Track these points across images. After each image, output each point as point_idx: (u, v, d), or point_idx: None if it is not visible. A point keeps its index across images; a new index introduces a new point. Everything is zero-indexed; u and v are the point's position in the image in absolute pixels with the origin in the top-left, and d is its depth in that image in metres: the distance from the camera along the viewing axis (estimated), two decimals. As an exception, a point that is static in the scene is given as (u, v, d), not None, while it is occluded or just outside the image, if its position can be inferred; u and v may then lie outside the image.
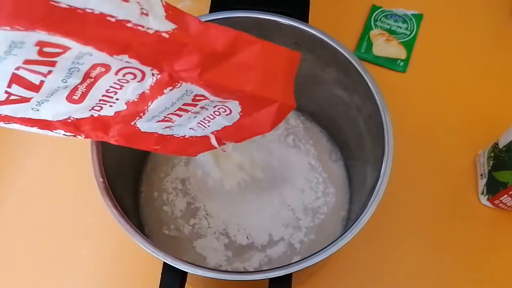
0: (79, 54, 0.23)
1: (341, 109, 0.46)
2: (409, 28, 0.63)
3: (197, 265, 0.32)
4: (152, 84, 0.27)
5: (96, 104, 0.27)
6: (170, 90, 0.28)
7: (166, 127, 0.32)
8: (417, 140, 0.55)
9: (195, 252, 0.46)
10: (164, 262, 0.33)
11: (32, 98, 0.25)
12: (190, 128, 0.33)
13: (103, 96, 0.27)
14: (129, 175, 0.47)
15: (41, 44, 0.21)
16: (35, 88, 0.24)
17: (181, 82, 0.27)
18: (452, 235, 0.51)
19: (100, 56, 0.23)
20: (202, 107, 0.31)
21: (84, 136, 0.30)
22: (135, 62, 0.25)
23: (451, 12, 0.65)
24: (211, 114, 0.32)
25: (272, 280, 0.33)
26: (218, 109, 0.31)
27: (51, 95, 0.25)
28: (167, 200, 0.48)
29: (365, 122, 0.43)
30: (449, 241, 0.51)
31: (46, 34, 0.21)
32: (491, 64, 0.61)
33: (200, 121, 0.32)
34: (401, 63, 0.60)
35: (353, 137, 0.46)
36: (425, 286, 0.49)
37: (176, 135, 0.33)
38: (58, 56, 0.23)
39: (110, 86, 0.26)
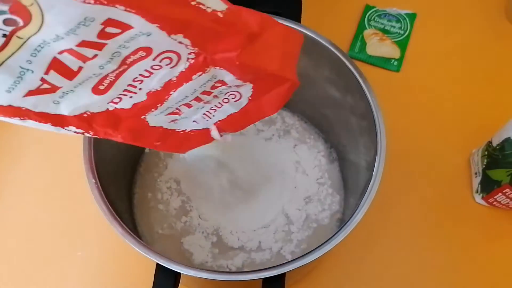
0: (135, 35, 0.23)
1: (334, 109, 0.46)
2: (402, 28, 0.63)
3: (190, 266, 0.32)
4: (183, 70, 0.27)
5: (118, 95, 0.27)
6: (199, 75, 0.28)
7: (172, 121, 0.32)
8: (411, 139, 0.55)
9: (183, 248, 0.46)
10: (157, 263, 0.33)
11: (61, 88, 0.25)
12: (193, 121, 0.33)
13: (128, 86, 0.27)
14: (123, 176, 0.47)
15: (108, 22, 0.21)
16: (71, 75, 0.24)
17: (210, 66, 0.27)
18: (446, 234, 0.51)
19: (156, 37, 0.23)
20: (215, 96, 0.31)
21: (92, 134, 0.29)
22: (186, 42, 0.25)
23: (444, 11, 0.65)
24: (219, 103, 0.32)
25: (265, 280, 0.33)
26: (229, 95, 0.32)
27: (80, 84, 0.25)
28: (161, 199, 0.48)
29: (358, 122, 0.43)
30: (443, 240, 0.51)
31: (123, 9, 0.21)
32: (484, 63, 0.61)
33: (207, 111, 0.33)
34: (395, 62, 0.61)
35: (347, 137, 0.47)
36: (420, 285, 0.49)
37: (178, 129, 0.33)
38: (113, 37, 0.23)
39: (139, 74, 0.26)
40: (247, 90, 0.31)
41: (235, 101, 0.32)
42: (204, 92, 0.30)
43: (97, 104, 0.27)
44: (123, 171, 0.47)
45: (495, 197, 0.50)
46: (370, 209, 0.35)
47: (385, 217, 0.51)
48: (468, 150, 0.55)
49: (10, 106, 0.24)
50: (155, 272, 0.33)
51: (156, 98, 0.29)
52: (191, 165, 0.48)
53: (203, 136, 0.35)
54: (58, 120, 0.27)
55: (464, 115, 0.57)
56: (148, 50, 0.25)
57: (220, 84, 0.30)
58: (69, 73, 0.24)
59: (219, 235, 0.46)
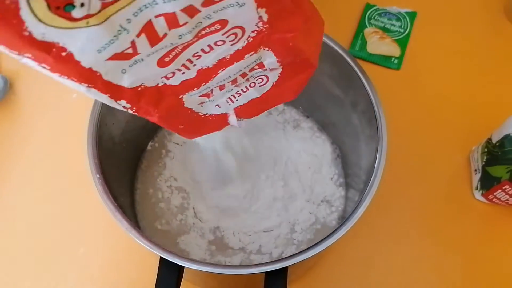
0: (229, 5, 0.23)
1: (335, 105, 0.46)
2: (402, 26, 0.63)
3: (194, 260, 0.33)
4: (240, 48, 0.27)
5: (175, 69, 0.27)
6: (251, 55, 0.28)
7: (200, 103, 0.32)
8: (411, 136, 0.56)
9: (180, 247, 0.46)
10: (161, 257, 0.33)
11: (137, 55, 0.24)
12: (216, 105, 0.33)
13: (186, 60, 0.27)
14: (125, 172, 0.47)
15: None
16: (154, 41, 0.24)
17: (262, 47, 0.28)
18: (446, 230, 0.51)
19: (245, 9, 0.24)
20: (247, 79, 0.31)
21: (135, 110, 0.28)
22: (264, 18, 0.25)
23: (444, 10, 0.65)
24: (246, 86, 0.32)
25: (268, 274, 0.33)
26: (257, 79, 0.32)
27: (153, 53, 0.25)
28: (162, 198, 0.48)
29: (359, 118, 0.43)
30: (443, 236, 0.51)
31: None
32: (484, 61, 0.61)
33: (232, 95, 0.32)
34: (395, 61, 0.61)
35: (348, 134, 0.47)
36: (421, 280, 0.49)
37: (201, 113, 0.33)
38: (211, 5, 0.23)
39: (201, 49, 0.26)
40: (275, 74, 0.31)
41: (260, 85, 0.32)
42: (243, 74, 0.30)
43: (154, 77, 0.27)
44: (125, 167, 0.47)
45: (494, 193, 0.50)
46: (370, 205, 0.36)
47: (385, 213, 0.51)
48: (468, 147, 0.55)
49: (90, 69, 0.23)
50: (159, 266, 0.34)
51: (204, 76, 0.28)
52: (191, 160, 0.48)
53: (218, 122, 0.35)
54: (116, 92, 0.26)
55: (463, 112, 0.58)
56: (224, 23, 0.25)
57: (258, 67, 0.30)
58: (154, 39, 0.23)
59: (220, 235, 0.46)
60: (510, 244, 0.51)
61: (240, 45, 0.27)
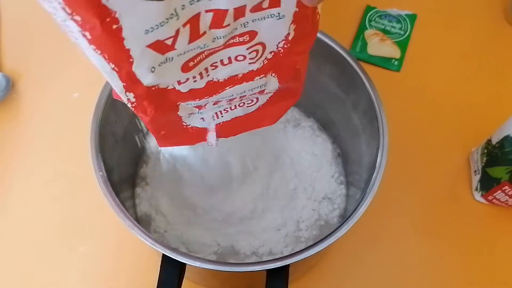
0: (271, 15, 0.23)
1: (336, 105, 0.46)
2: (403, 28, 0.64)
3: (196, 257, 0.33)
4: (254, 69, 0.27)
5: (192, 76, 0.26)
6: (260, 78, 0.28)
7: (190, 113, 0.31)
8: (411, 138, 0.56)
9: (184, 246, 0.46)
10: (163, 254, 0.33)
11: (173, 50, 0.24)
12: (201, 118, 0.32)
13: (204, 69, 0.26)
14: (126, 169, 0.48)
15: None
16: (194, 37, 0.23)
17: (271, 72, 0.28)
18: (446, 231, 0.52)
19: (281, 22, 0.24)
20: (241, 99, 0.31)
21: (134, 106, 0.27)
22: (291, 35, 0.25)
23: (444, 12, 0.66)
24: (235, 105, 0.32)
25: (269, 272, 0.34)
26: (248, 100, 0.31)
27: (185, 53, 0.24)
28: (160, 196, 0.48)
29: (360, 119, 0.43)
30: (443, 237, 0.51)
31: None
32: (483, 63, 0.62)
33: (219, 111, 0.32)
34: (395, 62, 0.61)
35: (349, 133, 0.47)
36: (420, 281, 0.49)
37: (185, 123, 0.33)
38: (258, 11, 0.23)
39: (220, 60, 0.26)
40: (265, 98, 0.31)
41: (248, 106, 0.32)
42: (242, 96, 0.30)
43: (168, 81, 0.26)
44: (127, 165, 0.47)
45: (494, 194, 0.50)
46: (371, 204, 0.36)
47: (385, 214, 0.51)
48: (468, 148, 0.56)
49: (127, 51, 0.23)
50: (161, 263, 0.34)
51: (211, 89, 0.28)
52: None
53: (195, 136, 0.34)
54: (132, 85, 0.25)
55: (463, 114, 0.58)
56: (253, 36, 0.24)
57: (259, 94, 0.30)
58: (194, 35, 0.23)
59: (230, 244, 0.46)
60: (509, 244, 0.51)
61: (255, 66, 0.27)
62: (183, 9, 0.22)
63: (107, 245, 0.50)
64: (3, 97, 0.57)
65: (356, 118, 0.44)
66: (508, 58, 0.62)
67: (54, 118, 0.57)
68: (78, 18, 0.20)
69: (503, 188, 0.49)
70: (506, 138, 0.47)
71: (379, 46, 0.62)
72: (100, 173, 0.36)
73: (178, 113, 0.30)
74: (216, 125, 0.34)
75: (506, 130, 0.48)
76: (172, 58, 0.24)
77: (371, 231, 0.51)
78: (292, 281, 0.37)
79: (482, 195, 0.52)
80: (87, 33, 0.21)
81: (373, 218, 0.50)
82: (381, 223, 0.51)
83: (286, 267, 0.34)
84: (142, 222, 0.48)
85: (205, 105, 0.30)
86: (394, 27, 0.64)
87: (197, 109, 0.31)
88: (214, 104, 0.30)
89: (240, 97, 0.30)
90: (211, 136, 0.34)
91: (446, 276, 0.50)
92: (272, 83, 0.29)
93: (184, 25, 0.22)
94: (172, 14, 0.21)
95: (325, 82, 0.45)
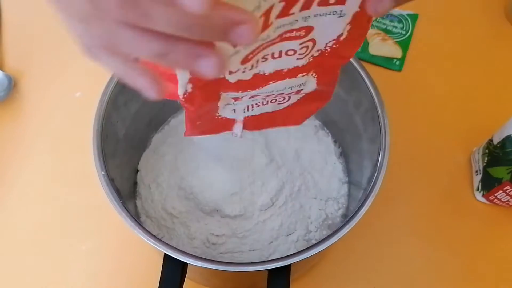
0: (333, 12, 0.23)
1: (338, 105, 0.46)
2: (404, 28, 0.64)
3: (198, 256, 0.33)
4: (300, 66, 0.27)
5: (242, 67, 0.26)
6: (302, 75, 0.28)
7: (226, 104, 0.31)
8: (413, 137, 0.56)
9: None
10: (165, 254, 0.33)
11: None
12: (232, 110, 0.32)
13: (256, 61, 0.26)
14: (128, 168, 0.48)
15: None
16: (262, 27, 0.23)
17: (312, 71, 0.28)
18: (447, 231, 0.52)
19: (341, 20, 0.24)
20: (279, 95, 0.31)
21: (188, 92, 0.26)
22: (343, 35, 0.25)
23: (445, 12, 0.66)
24: (268, 101, 0.32)
25: (271, 271, 0.34)
26: (281, 97, 0.31)
27: (249, 45, 0.24)
28: (161, 193, 0.48)
29: (362, 118, 0.43)
30: (444, 237, 0.51)
31: None
32: (485, 62, 0.62)
33: (251, 104, 0.32)
34: (397, 62, 0.61)
35: (350, 133, 0.47)
36: (421, 280, 0.49)
37: (218, 114, 0.32)
38: (327, 5, 0.23)
39: (272, 53, 0.26)
40: (297, 97, 0.31)
41: (279, 103, 0.32)
42: (280, 94, 0.30)
43: (225, 71, 0.26)
44: (128, 164, 0.47)
45: (495, 194, 0.50)
46: (373, 204, 0.36)
47: (387, 213, 0.52)
48: (469, 148, 0.56)
49: None
50: (163, 262, 0.34)
51: (257, 83, 0.28)
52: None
53: (222, 126, 0.34)
54: (197, 77, 0.25)
55: (465, 114, 0.58)
56: (308, 31, 0.25)
57: (296, 93, 0.30)
58: (264, 26, 0.23)
59: (239, 254, 0.46)
60: (511, 244, 0.51)
61: (301, 63, 0.27)
62: (265, 0, 0.21)
63: (109, 244, 0.50)
64: (5, 97, 0.57)
65: (358, 118, 0.44)
66: (509, 57, 0.62)
67: (56, 117, 0.57)
68: None
69: (505, 188, 0.49)
70: (508, 138, 0.48)
71: (380, 46, 0.62)
72: (102, 172, 0.36)
73: (218, 103, 0.30)
74: (245, 117, 0.34)
75: (507, 130, 0.48)
76: (240, 50, 0.24)
77: (372, 230, 0.51)
78: (294, 280, 0.38)
79: (483, 195, 0.52)
80: None
81: (375, 217, 0.50)
82: (382, 222, 0.51)
83: (288, 266, 0.34)
84: (144, 221, 0.48)
85: (242, 97, 0.30)
86: (396, 27, 0.64)
87: (233, 101, 0.31)
88: (250, 97, 0.30)
89: (278, 94, 0.30)
90: (238, 127, 0.34)
91: (448, 275, 0.50)
92: (310, 83, 0.29)
93: (261, 16, 0.22)
94: (256, 6, 0.21)
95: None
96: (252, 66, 0.26)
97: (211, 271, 0.34)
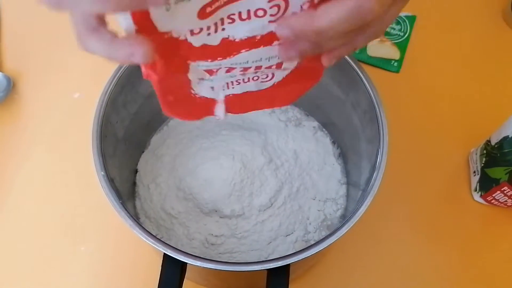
0: None
1: (336, 105, 0.47)
2: (402, 30, 0.64)
3: (197, 256, 0.33)
4: (273, 30, 0.25)
5: (206, 26, 0.25)
6: (278, 44, 0.26)
7: (199, 79, 0.30)
8: (411, 139, 0.56)
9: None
10: (165, 254, 0.33)
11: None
12: (210, 87, 0.31)
13: (220, 19, 0.25)
14: (127, 169, 0.48)
15: None
16: None
17: None
18: (445, 232, 0.52)
19: None
20: (255, 71, 0.29)
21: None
22: None
23: (443, 14, 0.66)
24: (249, 78, 0.30)
25: (270, 271, 0.34)
26: (263, 74, 0.30)
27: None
28: (160, 194, 0.48)
29: (360, 119, 0.44)
30: (442, 238, 0.52)
31: None
32: (482, 64, 0.62)
33: (231, 81, 0.30)
34: (395, 64, 0.62)
35: (349, 133, 0.47)
36: (420, 280, 0.50)
37: (193, 91, 0.31)
38: None
39: (239, 12, 0.24)
40: (282, 74, 0.30)
41: (262, 81, 0.31)
42: (258, 67, 0.28)
43: (184, 27, 0.25)
44: (127, 164, 0.48)
45: (493, 195, 0.51)
46: (371, 204, 0.36)
47: (385, 214, 0.52)
48: (467, 149, 0.56)
49: None
50: (162, 262, 0.34)
51: (226, 50, 0.27)
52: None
53: (203, 108, 0.32)
54: (145, 29, 0.24)
55: (462, 115, 0.58)
56: None
57: (276, 67, 0.29)
58: None
59: (239, 255, 0.46)
60: (508, 245, 0.51)
61: (274, 27, 0.25)
62: None
63: (108, 244, 0.50)
64: (4, 98, 0.57)
65: (356, 119, 0.44)
66: (506, 59, 0.62)
67: (55, 118, 0.57)
68: None
69: (502, 189, 0.49)
70: (505, 138, 0.48)
71: (378, 47, 0.62)
72: (102, 172, 0.36)
73: (188, 75, 0.29)
74: (226, 96, 0.32)
75: (505, 130, 0.48)
76: None
77: (371, 231, 0.51)
78: (293, 280, 0.38)
79: (481, 196, 0.52)
80: None
81: (373, 218, 0.50)
82: (380, 223, 0.51)
83: (287, 266, 0.34)
84: (143, 221, 0.48)
85: (217, 70, 0.29)
86: (394, 29, 0.64)
87: (208, 75, 0.29)
88: (226, 71, 0.29)
89: (256, 67, 0.29)
90: (220, 108, 0.32)
91: (445, 276, 0.50)
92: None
93: None
94: None
95: (325, 83, 0.45)
96: (217, 26, 0.25)
97: (210, 271, 0.34)
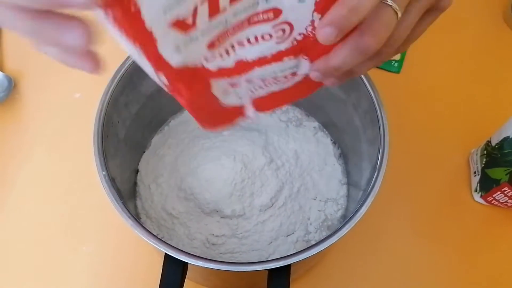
0: None
1: (337, 106, 0.47)
2: (403, 30, 0.64)
3: (198, 256, 0.33)
4: (283, 49, 0.27)
5: (218, 54, 0.27)
6: (289, 59, 0.28)
7: (225, 92, 0.31)
8: (412, 139, 0.56)
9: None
10: (166, 254, 0.33)
11: (195, 29, 0.24)
12: (237, 96, 0.32)
13: (230, 46, 0.27)
14: (128, 169, 0.48)
15: None
16: (213, 12, 0.23)
17: (302, 55, 0.29)
18: (446, 232, 0.52)
19: (304, 6, 0.25)
20: (275, 78, 0.31)
21: (168, 87, 0.27)
22: (315, 23, 0.26)
23: (444, 15, 0.65)
24: (273, 82, 0.32)
25: (271, 271, 0.34)
26: (282, 78, 0.31)
27: (208, 30, 0.25)
28: (161, 194, 0.48)
29: (361, 120, 0.44)
30: (443, 238, 0.52)
31: None
32: (483, 64, 0.62)
33: (254, 87, 0.32)
34: (396, 64, 0.62)
35: (350, 134, 0.47)
36: (420, 280, 0.50)
37: (222, 103, 0.32)
38: None
39: (247, 38, 0.26)
40: (300, 77, 0.31)
41: (283, 83, 0.32)
42: (274, 78, 0.30)
43: (199, 58, 0.26)
44: (128, 165, 0.48)
45: (494, 195, 0.51)
46: (372, 205, 0.36)
47: (385, 214, 0.52)
48: (468, 150, 0.56)
49: (150, 33, 0.23)
50: (164, 262, 0.34)
51: (240, 69, 0.28)
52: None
53: (233, 114, 0.34)
54: (161, 65, 0.25)
55: (463, 115, 0.58)
56: (277, 14, 0.25)
57: (291, 76, 0.30)
58: (213, 10, 0.23)
59: (240, 255, 0.46)
60: (509, 246, 0.52)
61: (284, 46, 0.27)
62: None
63: (110, 244, 0.50)
64: (5, 98, 0.57)
65: (357, 119, 0.44)
66: (507, 60, 0.62)
67: (56, 118, 0.57)
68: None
69: (503, 189, 0.49)
70: (506, 139, 0.48)
71: (379, 47, 0.62)
72: (103, 172, 0.36)
73: (212, 91, 0.30)
74: (253, 99, 0.33)
75: (505, 131, 0.48)
76: (197, 37, 0.24)
77: (372, 231, 0.51)
78: (294, 280, 0.38)
79: (481, 196, 0.52)
80: (110, 18, 0.21)
81: (374, 219, 0.50)
82: (381, 223, 0.51)
83: (288, 266, 0.34)
84: (144, 221, 0.48)
85: (237, 84, 0.30)
86: (394, 29, 0.64)
87: (232, 88, 0.30)
88: (248, 82, 0.30)
89: (273, 77, 0.30)
90: (249, 110, 0.34)
91: (446, 276, 0.50)
92: (303, 65, 0.29)
93: (202, 2, 0.23)
94: None
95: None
96: (228, 52, 0.27)
97: (211, 271, 0.34)
